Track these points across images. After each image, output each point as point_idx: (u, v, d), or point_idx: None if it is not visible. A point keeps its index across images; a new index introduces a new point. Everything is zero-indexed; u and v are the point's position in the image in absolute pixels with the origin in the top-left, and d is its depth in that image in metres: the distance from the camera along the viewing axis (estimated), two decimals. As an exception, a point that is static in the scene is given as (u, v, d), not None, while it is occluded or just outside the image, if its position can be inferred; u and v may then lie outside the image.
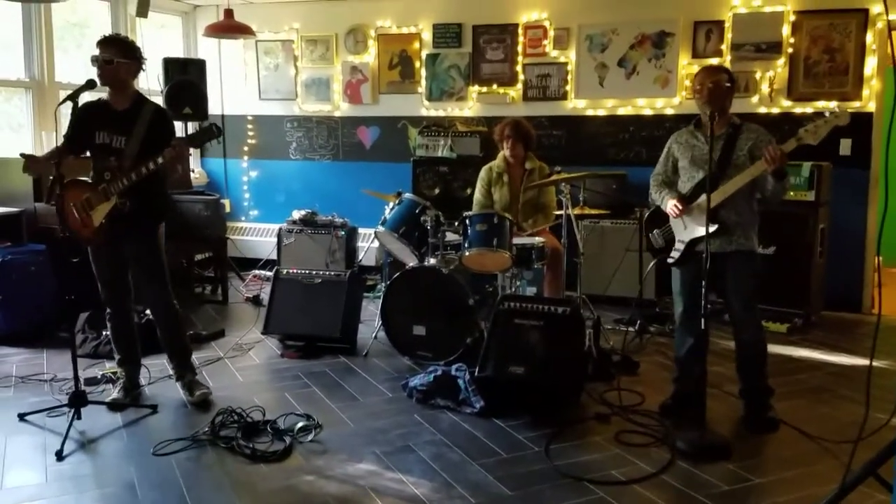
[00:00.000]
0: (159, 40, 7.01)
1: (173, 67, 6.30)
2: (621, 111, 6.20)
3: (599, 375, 4.09)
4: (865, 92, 5.51)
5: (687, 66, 5.94)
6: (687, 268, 3.56)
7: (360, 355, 4.62)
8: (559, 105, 6.35)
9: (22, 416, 3.56)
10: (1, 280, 4.72)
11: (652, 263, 4.70)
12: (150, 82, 5.97)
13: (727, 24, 5.81)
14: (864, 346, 4.79)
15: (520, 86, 6.43)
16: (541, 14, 6.31)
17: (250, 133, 7.39)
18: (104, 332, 4.44)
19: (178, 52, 7.23)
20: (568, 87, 6.28)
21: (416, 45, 6.70)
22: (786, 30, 5.67)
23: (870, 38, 5.47)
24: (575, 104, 6.30)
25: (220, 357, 4.58)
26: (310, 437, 3.36)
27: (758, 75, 5.77)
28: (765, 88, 5.76)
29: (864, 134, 5.47)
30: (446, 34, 6.59)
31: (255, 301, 5.93)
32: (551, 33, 6.27)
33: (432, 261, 4.49)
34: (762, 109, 5.77)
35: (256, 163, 7.43)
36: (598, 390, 3.92)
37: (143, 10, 6.00)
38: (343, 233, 4.84)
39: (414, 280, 4.46)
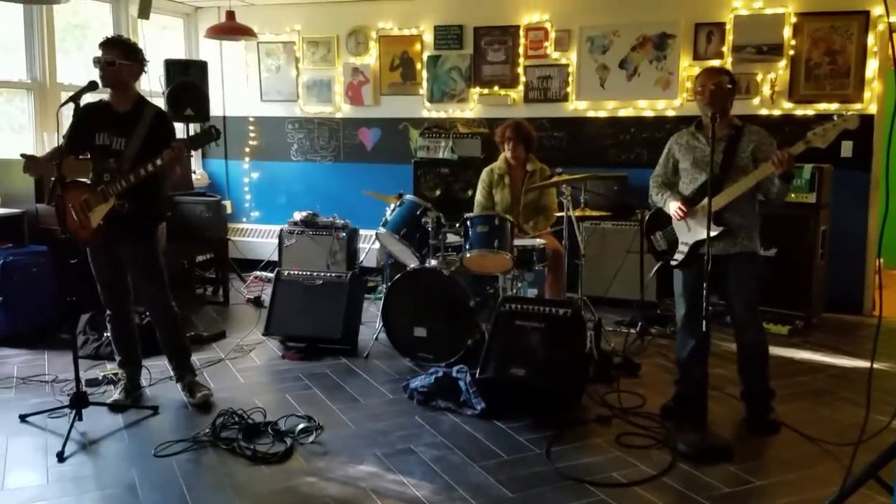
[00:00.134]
0: (161, 42, 7.02)
1: (175, 69, 6.31)
2: (622, 113, 6.20)
3: (600, 377, 4.09)
4: (866, 94, 5.51)
5: (688, 68, 5.94)
6: (690, 270, 3.56)
7: (361, 357, 4.62)
8: (560, 107, 6.35)
9: (23, 418, 3.56)
10: (2, 281, 4.72)
11: (655, 268, 4.68)
12: (152, 84, 5.97)
13: (728, 26, 5.81)
14: (865, 349, 4.79)
15: (521, 87, 6.43)
16: (542, 16, 6.31)
17: (252, 134, 7.39)
18: (105, 334, 4.44)
19: (180, 54, 7.24)
20: (569, 89, 6.28)
21: (418, 46, 6.70)
22: (787, 32, 5.67)
23: (871, 40, 5.47)
24: (576, 106, 6.30)
25: (221, 358, 4.59)
26: (311, 439, 3.36)
27: (759, 77, 5.77)
28: (766, 90, 5.76)
29: (865, 136, 5.45)
30: (447, 36, 6.60)
31: (256, 302, 5.94)
32: (552, 35, 6.27)
33: (433, 262, 4.49)
34: (763, 111, 5.77)
35: (258, 164, 7.44)
36: (599, 392, 3.91)
37: (144, 12, 6.00)
38: (344, 234, 4.83)
39: (415, 281, 4.46)
